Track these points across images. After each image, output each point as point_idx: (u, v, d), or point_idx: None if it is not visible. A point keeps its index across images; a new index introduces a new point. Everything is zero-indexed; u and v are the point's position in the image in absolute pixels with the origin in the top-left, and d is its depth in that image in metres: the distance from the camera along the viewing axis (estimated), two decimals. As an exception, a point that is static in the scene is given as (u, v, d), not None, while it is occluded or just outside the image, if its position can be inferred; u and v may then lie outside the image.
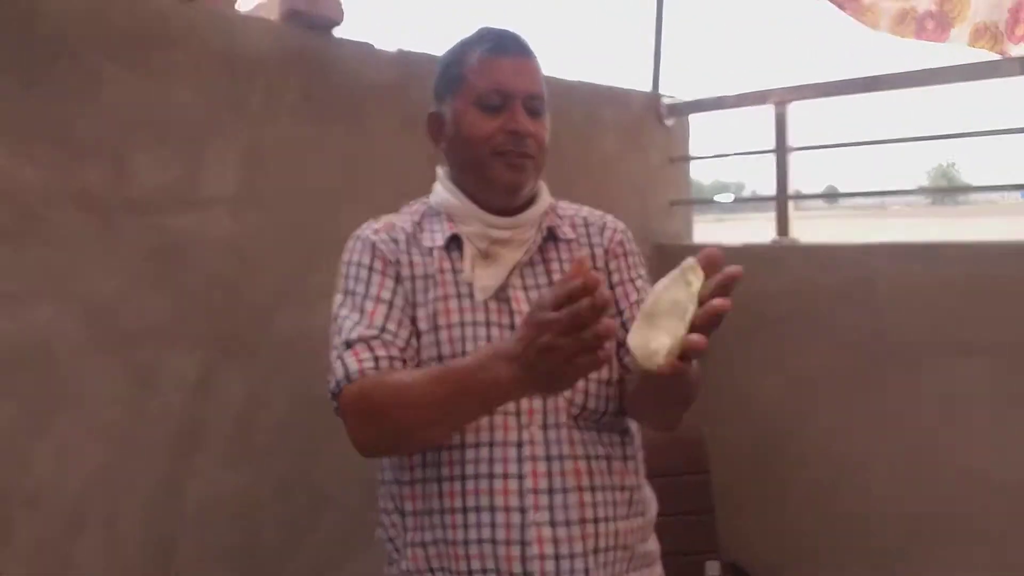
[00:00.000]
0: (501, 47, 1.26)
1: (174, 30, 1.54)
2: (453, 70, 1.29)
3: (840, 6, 2.69)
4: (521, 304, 1.25)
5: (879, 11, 2.66)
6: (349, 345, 1.19)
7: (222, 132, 1.62)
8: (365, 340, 1.18)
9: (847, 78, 2.46)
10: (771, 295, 2.38)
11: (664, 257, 2.70)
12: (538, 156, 1.27)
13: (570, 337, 0.89)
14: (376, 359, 1.16)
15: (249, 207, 1.66)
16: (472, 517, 1.17)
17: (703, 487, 2.14)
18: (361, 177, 1.85)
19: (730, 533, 2.30)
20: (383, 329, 1.20)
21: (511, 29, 1.30)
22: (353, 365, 1.16)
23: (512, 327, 1.22)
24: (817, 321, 2.29)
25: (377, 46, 1.90)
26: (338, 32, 1.82)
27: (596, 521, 1.19)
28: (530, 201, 1.32)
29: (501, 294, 1.26)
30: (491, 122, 1.23)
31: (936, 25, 2.56)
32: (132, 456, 1.51)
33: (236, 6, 1.72)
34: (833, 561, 2.28)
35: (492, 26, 1.31)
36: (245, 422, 1.67)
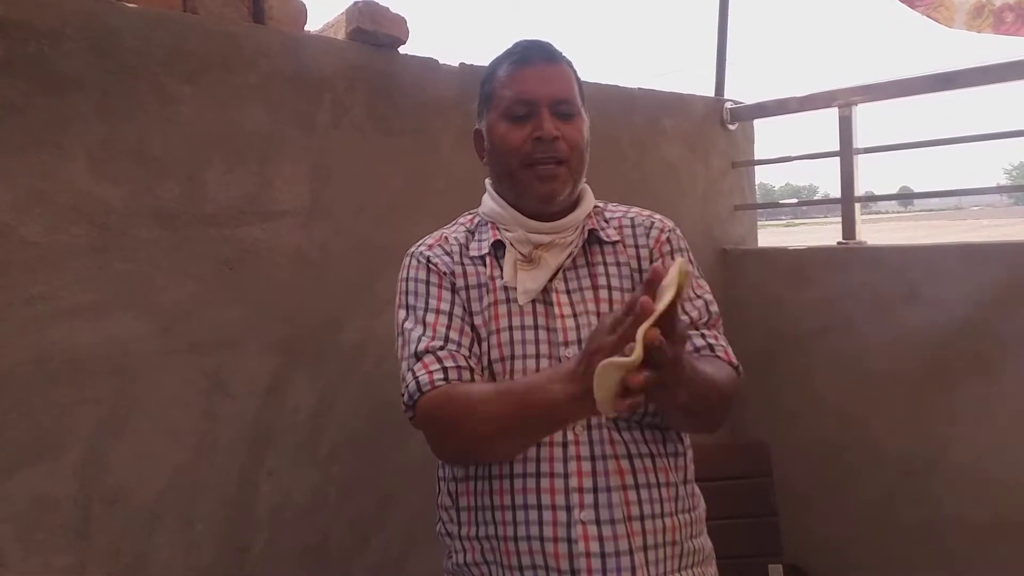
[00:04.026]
0: (525, 58, 1.29)
1: (245, 52, 1.60)
2: (486, 87, 1.34)
3: (911, 4, 2.63)
4: (563, 307, 1.27)
5: (953, 6, 2.60)
6: (418, 357, 1.23)
7: (291, 148, 1.67)
8: (432, 351, 1.23)
9: (916, 76, 2.38)
10: (837, 297, 2.36)
11: (728, 262, 2.68)
12: (570, 159, 1.28)
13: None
14: (445, 370, 1.21)
15: (317, 219, 1.72)
16: (521, 514, 1.20)
17: (766, 490, 2.12)
18: (424, 189, 1.89)
19: (793, 536, 2.27)
20: (447, 339, 1.25)
21: (542, 39, 1.33)
22: (424, 377, 1.21)
23: (556, 330, 1.26)
24: (884, 323, 2.25)
25: (440, 61, 1.94)
26: (403, 49, 1.86)
27: (643, 518, 1.21)
28: (573, 205, 1.34)
29: (545, 297, 1.28)
30: (520, 132, 1.27)
31: (1016, 17, 2.49)
32: (207, 458, 1.57)
33: (304, 27, 1.78)
34: (898, 566, 2.25)
35: (524, 38, 1.34)
36: (314, 425, 1.73)
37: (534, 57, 1.30)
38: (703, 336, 1.32)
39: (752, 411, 2.52)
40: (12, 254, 1.32)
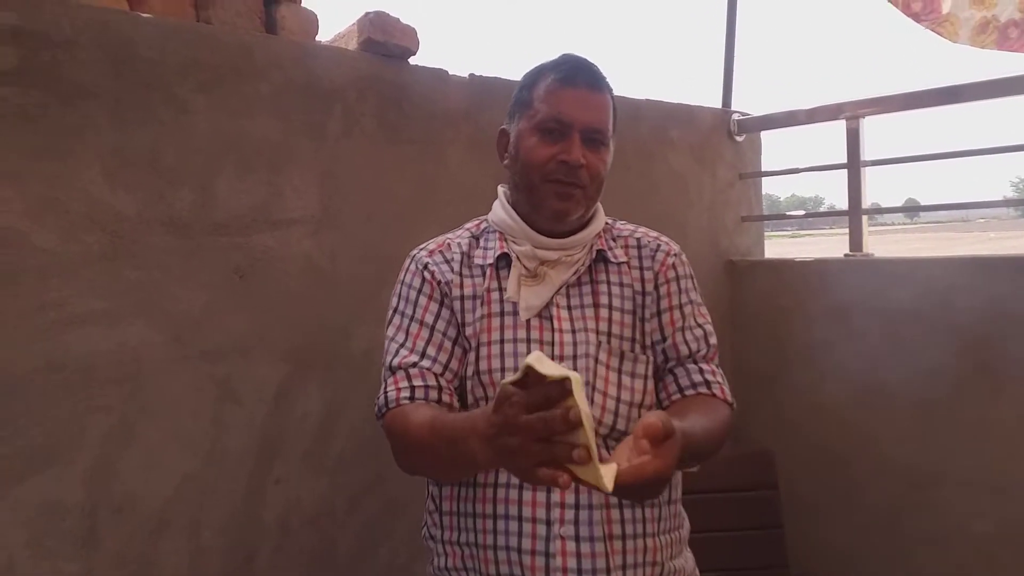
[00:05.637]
0: (570, 78, 1.28)
1: (258, 61, 1.61)
2: (524, 93, 1.32)
3: (916, 19, 2.64)
4: (562, 322, 1.28)
5: (958, 22, 2.61)
6: (392, 371, 1.27)
7: (301, 157, 1.68)
8: (405, 368, 1.26)
9: (924, 89, 2.39)
10: (843, 310, 2.36)
11: (735, 273, 2.69)
12: (589, 186, 1.28)
13: (539, 444, 0.87)
14: (412, 388, 1.24)
15: (326, 227, 1.72)
16: (501, 524, 1.21)
17: (772, 502, 2.12)
18: (432, 198, 1.90)
19: (800, 547, 2.27)
20: (423, 354, 1.27)
21: (589, 59, 1.31)
22: (392, 394, 1.24)
23: (551, 343, 1.26)
24: (891, 335, 2.25)
25: (450, 72, 1.95)
26: (413, 60, 1.87)
27: (624, 538, 1.21)
28: (584, 224, 1.35)
29: (544, 312, 1.29)
30: (548, 149, 1.26)
31: (1020, 34, 2.50)
32: (215, 465, 1.57)
33: (316, 37, 1.79)
34: (905, 579, 2.24)
35: (573, 54, 1.33)
36: (322, 433, 1.73)
37: (580, 80, 1.28)
38: (700, 371, 1.32)
39: (759, 422, 2.52)
40: (25, 261, 1.33)
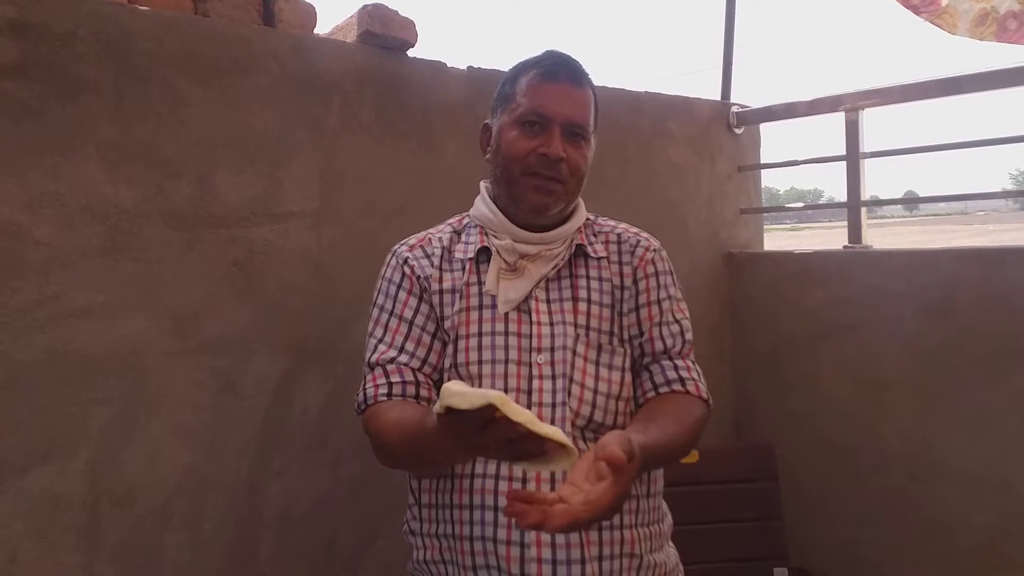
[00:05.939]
0: (552, 73, 1.29)
1: (256, 54, 1.61)
2: (507, 88, 1.34)
3: (915, 11, 2.64)
4: (540, 315, 1.29)
5: (957, 14, 2.60)
6: (371, 368, 1.30)
7: (300, 150, 1.68)
8: (383, 365, 1.29)
9: (922, 80, 2.38)
10: (843, 302, 2.36)
11: (734, 265, 2.69)
12: (569, 181, 1.29)
13: (508, 445, 0.88)
14: (390, 385, 1.26)
15: (326, 220, 1.73)
16: (477, 514, 1.22)
17: (771, 494, 2.12)
18: (431, 191, 1.90)
19: (800, 539, 2.28)
20: (401, 349, 1.30)
21: (572, 56, 1.33)
22: (370, 391, 1.27)
23: (529, 336, 1.28)
24: (890, 328, 2.25)
25: (449, 65, 1.95)
26: (412, 52, 1.87)
27: (600, 529, 1.21)
28: (564, 218, 1.35)
29: (523, 305, 1.30)
30: (528, 143, 1.27)
31: (1019, 25, 2.49)
32: (217, 458, 1.58)
33: (314, 30, 1.79)
34: (905, 569, 2.25)
35: (556, 50, 1.34)
36: (322, 425, 1.73)
37: (561, 74, 1.29)
38: (676, 367, 1.33)
39: (759, 414, 2.53)
40: (25, 255, 1.34)
